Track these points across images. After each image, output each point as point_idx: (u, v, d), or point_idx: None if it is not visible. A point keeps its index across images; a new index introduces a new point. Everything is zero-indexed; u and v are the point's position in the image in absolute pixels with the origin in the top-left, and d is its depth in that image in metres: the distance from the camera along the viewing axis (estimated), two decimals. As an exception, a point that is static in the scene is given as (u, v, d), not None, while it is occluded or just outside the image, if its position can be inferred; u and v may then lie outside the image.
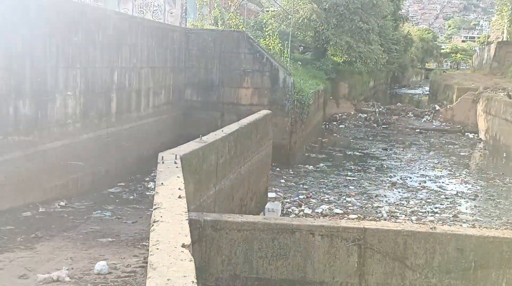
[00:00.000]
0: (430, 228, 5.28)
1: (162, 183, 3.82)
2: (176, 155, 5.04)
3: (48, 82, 8.59)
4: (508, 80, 30.00)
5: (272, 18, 23.69)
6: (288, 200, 11.70)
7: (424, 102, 41.14)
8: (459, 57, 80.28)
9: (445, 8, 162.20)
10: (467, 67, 67.37)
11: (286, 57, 17.52)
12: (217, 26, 18.07)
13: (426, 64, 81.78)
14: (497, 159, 19.26)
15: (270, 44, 17.69)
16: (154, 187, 3.97)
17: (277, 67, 15.39)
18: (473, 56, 56.81)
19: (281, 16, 24.55)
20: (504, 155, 19.43)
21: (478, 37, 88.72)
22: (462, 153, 20.13)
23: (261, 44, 16.58)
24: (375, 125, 26.37)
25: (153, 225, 2.79)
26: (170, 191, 3.59)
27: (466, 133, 24.98)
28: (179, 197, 3.43)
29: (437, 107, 29.69)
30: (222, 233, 5.08)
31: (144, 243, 6.48)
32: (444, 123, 26.81)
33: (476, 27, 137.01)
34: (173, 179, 4.00)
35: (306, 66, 23.21)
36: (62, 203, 8.74)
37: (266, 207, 10.30)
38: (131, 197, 10.16)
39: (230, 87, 15.78)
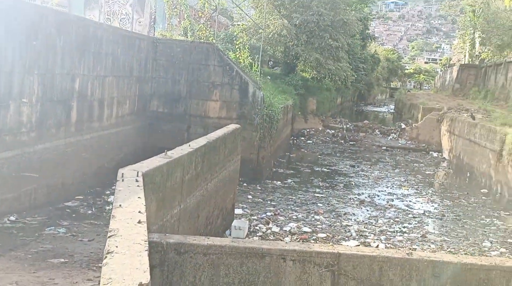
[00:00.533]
0: (407, 253, 5.02)
1: (120, 205, 3.40)
2: (137, 172, 4.61)
3: (1, 88, 7.98)
4: (470, 101, 30.80)
5: (243, 31, 23.49)
6: (256, 217, 11.32)
7: (389, 120, 41.80)
8: (422, 78, 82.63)
9: (409, 30, 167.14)
10: (430, 87, 69.31)
11: (256, 71, 17.29)
12: (187, 37, 17.68)
13: (391, 83, 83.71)
14: (461, 179, 19.51)
15: (240, 57, 17.43)
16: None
17: (246, 81, 15.11)
18: (436, 77, 58.46)
19: (251, 30, 24.41)
20: (468, 174, 19.70)
21: (440, 59, 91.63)
22: (427, 172, 20.31)
23: (231, 57, 16.29)
24: (342, 141, 26.42)
25: (106, 257, 2.38)
26: (129, 214, 3.17)
27: (431, 152, 25.34)
28: (139, 222, 3.02)
29: (403, 126, 30.12)
30: (186, 257, 4.66)
31: (100, 264, 5.96)
32: (409, 142, 27.14)
33: (438, 50, 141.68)
34: (133, 200, 3.58)
35: (275, 81, 23.07)
36: (12, 218, 8.11)
37: (232, 225, 9.89)
38: (89, 212, 9.59)
39: (198, 99, 15.39)
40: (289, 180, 15.98)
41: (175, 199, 5.86)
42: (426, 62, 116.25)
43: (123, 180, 4.29)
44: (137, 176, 4.47)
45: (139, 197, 3.65)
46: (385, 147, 25.79)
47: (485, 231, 11.75)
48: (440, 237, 11.06)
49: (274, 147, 17.75)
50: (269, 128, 15.58)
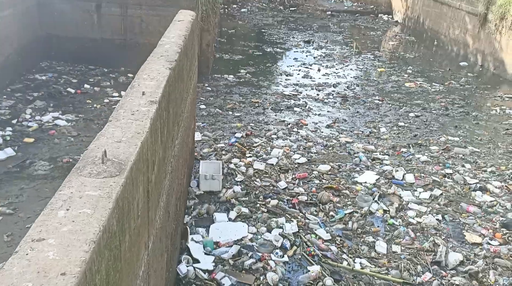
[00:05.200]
0: None
1: None
2: None
3: None
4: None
5: None
6: (223, 144, 7.92)
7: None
8: None
9: None
10: None
11: None
12: None
13: None
14: (428, 49, 16.88)
15: None
16: None
17: None
18: None
19: None
20: (435, 43, 17.12)
21: None
22: (390, 43, 17.45)
23: None
24: (281, 7, 22.41)
25: None
26: None
27: (380, 15, 22.30)
28: None
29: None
30: None
31: None
32: (355, 3, 23.74)
33: None
34: None
35: None
36: None
37: (200, 173, 6.49)
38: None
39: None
40: (243, 71, 12.33)
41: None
42: None
43: None
44: None
45: None
46: (330, 12, 22.29)
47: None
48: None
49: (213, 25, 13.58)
50: (213, 1, 11.34)
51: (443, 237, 5.74)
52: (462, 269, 5.21)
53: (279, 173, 7.12)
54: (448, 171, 7.46)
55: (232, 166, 7.19)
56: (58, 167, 6.81)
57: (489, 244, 5.67)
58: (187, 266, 4.93)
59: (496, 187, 7.02)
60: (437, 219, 6.12)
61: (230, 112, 9.46)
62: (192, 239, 5.40)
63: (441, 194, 6.75)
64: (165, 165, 3.42)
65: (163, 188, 3.37)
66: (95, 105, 9.26)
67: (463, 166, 7.70)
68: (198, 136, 7.98)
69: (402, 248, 5.54)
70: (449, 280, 5.02)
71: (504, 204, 6.54)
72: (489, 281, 5.03)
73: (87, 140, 7.74)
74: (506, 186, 7.06)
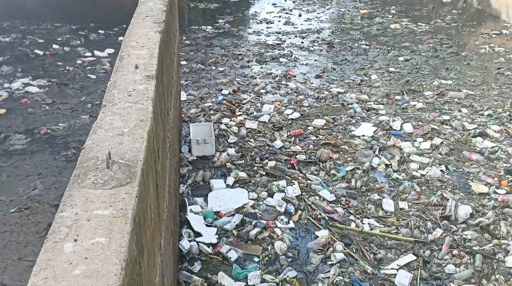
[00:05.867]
0: None
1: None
2: None
3: None
4: None
5: None
6: (210, 103, 7.48)
7: None
8: None
9: None
10: None
11: None
12: None
13: None
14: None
15: None
16: None
17: None
18: None
19: None
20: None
21: None
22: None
23: None
24: None
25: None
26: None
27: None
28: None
29: None
30: None
31: None
32: None
33: None
34: None
35: None
36: None
37: (192, 137, 6.08)
38: None
39: None
40: (221, 21, 11.66)
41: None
42: None
43: None
44: None
45: None
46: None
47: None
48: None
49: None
50: None
51: (449, 189, 5.56)
52: (472, 222, 5.07)
53: (273, 131, 6.77)
54: (446, 117, 7.24)
55: (223, 126, 6.79)
56: (36, 140, 6.30)
57: (496, 193, 5.52)
58: (189, 241, 4.64)
59: (495, 132, 6.84)
60: (441, 170, 5.92)
61: (214, 67, 8.93)
62: (191, 211, 5.08)
63: (442, 142, 6.53)
64: (165, 145, 3.02)
65: (166, 173, 2.99)
66: (67, 68, 8.60)
67: (459, 111, 7.48)
68: (183, 95, 7.50)
69: (409, 204, 5.35)
70: (461, 236, 4.87)
71: (506, 149, 6.38)
72: (501, 232, 4.90)
73: (64, 108, 7.20)
74: (505, 129, 6.89)
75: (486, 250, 4.66)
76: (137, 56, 2.71)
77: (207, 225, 4.93)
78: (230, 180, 5.59)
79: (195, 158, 6.04)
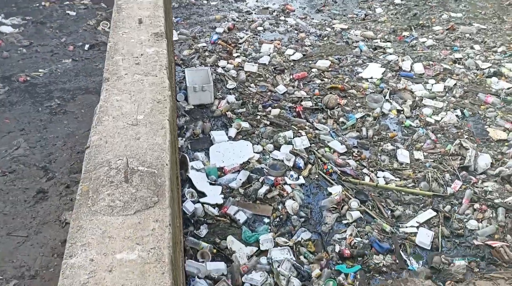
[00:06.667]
0: None
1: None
2: None
3: None
4: None
5: None
6: (204, 44, 6.85)
7: None
8: None
9: None
10: None
11: None
12: None
13: None
14: None
15: None
16: None
17: None
18: None
19: None
20: None
21: None
22: None
23: None
24: None
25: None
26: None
27: None
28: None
29: None
30: None
31: None
32: None
33: None
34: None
35: None
36: None
37: (187, 84, 5.55)
38: None
39: None
40: None
41: None
42: None
43: None
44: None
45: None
46: None
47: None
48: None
49: None
50: None
51: (465, 137, 5.22)
52: (492, 172, 4.78)
53: (274, 74, 6.24)
54: (458, 55, 6.76)
55: (220, 70, 6.24)
56: (15, 88, 5.71)
57: (516, 139, 5.21)
58: (193, 202, 4.28)
59: (510, 70, 6.42)
60: (456, 115, 5.55)
61: (205, 1, 8.16)
62: (193, 168, 4.67)
63: (455, 84, 6.11)
64: (173, 118, 2.53)
65: (174, 149, 2.53)
66: (43, 3, 7.79)
67: (471, 47, 6.99)
68: (174, 35, 6.84)
69: (425, 154, 5.01)
70: (482, 188, 4.59)
71: (522, 91, 6.00)
72: (523, 184, 4.63)
73: (43, 51, 6.53)
74: (521, 68, 6.48)
75: (509, 203, 4.41)
76: (139, 6, 2.16)
77: (210, 184, 4.56)
78: (232, 131, 5.16)
79: (192, 107, 5.55)
